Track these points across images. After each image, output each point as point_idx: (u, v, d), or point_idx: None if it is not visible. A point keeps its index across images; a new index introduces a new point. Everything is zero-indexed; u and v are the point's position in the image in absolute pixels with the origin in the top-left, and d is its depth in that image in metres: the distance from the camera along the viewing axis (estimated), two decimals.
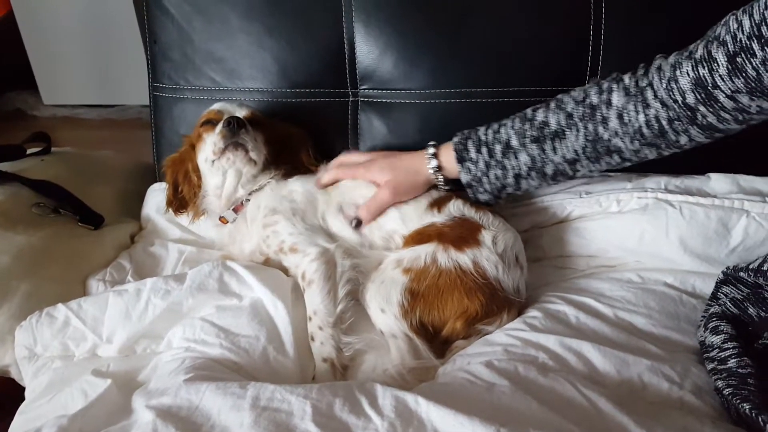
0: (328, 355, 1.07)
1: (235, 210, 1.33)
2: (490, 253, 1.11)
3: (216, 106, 1.34)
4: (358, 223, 1.24)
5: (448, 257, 1.11)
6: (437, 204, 1.22)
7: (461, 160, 1.20)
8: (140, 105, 4.26)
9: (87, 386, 1.03)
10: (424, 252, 1.13)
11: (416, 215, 1.22)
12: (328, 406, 0.85)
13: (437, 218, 1.20)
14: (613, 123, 1.09)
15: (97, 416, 0.92)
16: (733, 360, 0.99)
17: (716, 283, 1.16)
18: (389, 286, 1.11)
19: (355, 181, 1.28)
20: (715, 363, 1.00)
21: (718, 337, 1.04)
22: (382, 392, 0.86)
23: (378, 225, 1.24)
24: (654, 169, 1.27)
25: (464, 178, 1.21)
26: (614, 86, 1.10)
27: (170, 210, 1.40)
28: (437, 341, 1.09)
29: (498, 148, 1.18)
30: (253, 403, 0.86)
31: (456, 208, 1.20)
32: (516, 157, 1.17)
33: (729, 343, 1.02)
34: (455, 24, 1.37)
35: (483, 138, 1.19)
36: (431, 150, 1.23)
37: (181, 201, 1.38)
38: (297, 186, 1.31)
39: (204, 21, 1.46)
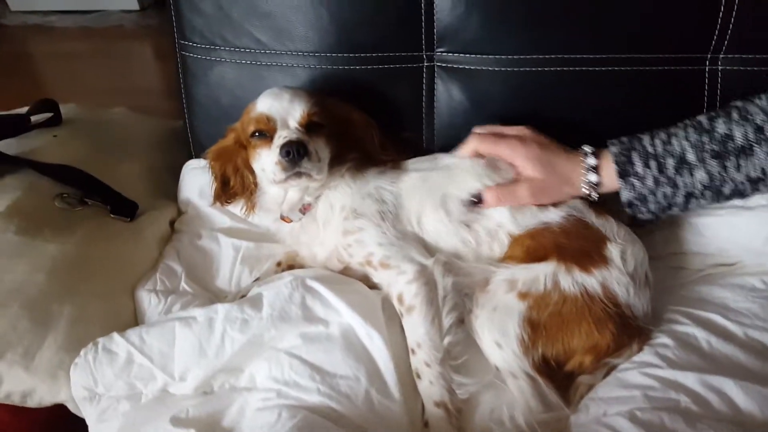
0: (440, 398, 0.95)
1: (302, 210, 1.15)
2: (621, 274, 0.98)
3: (263, 105, 1.09)
4: (476, 203, 1.08)
5: (572, 280, 0.97)
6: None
7: (624, 174, 1.02)
8: (121, 10, 3.84)
9: None
10: (542, 273, 0.99)
11: (529, 209, 1.07)
12: None
13: (552, 215, 1.05)
14: None
15: None
16: None
17: None
18: (504, 315, 0.97)
19: (463, 171, 1.10)
20: None
21: None
22: None
23: (484, 214, 1.08)
24: None
25: (626, 195, 1.04)
26: None
27: (218, 203, 1.21)
28: (559, 375, 0.98)
29: (670, 162, 1.01)
30: None
31: (574, 205, 1.05)
32: (691, 174, 1.01)
33: None
34: None
35: (650, 150, 1.02)
36: (592, 161, 1.04)
37: (230, 194, 1.19)
38: (383, 183, 1.12)
39: None
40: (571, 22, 1.16)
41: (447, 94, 1.23)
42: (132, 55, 3.67)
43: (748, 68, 1.16)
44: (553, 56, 1.17)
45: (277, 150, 1.03)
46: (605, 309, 0.96)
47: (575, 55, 1.17)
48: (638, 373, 0.94)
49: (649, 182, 1.02)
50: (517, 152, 1.06)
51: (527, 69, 1.18)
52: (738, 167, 1.00)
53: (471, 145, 1.10)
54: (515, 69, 1.19)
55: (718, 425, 0.84)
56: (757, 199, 1.12)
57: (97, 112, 1.52)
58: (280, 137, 1.05)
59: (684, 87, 1.19)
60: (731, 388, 0.90)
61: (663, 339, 0.99)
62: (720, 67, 1.17)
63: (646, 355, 0.97)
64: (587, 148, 1.06)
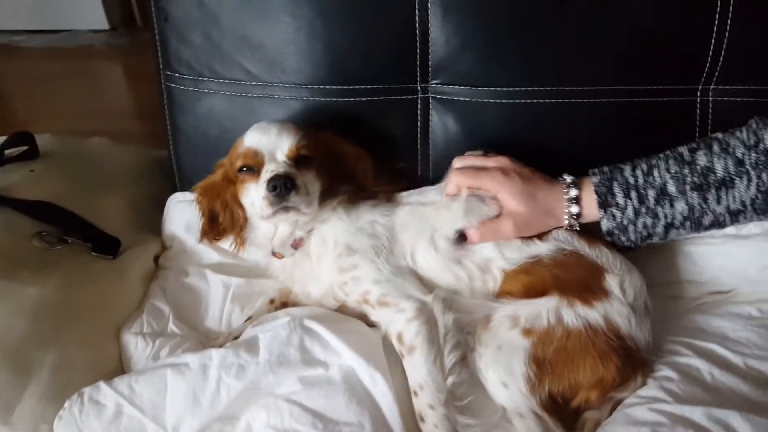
0: None
1: (294, 245, 1.11)
2: (621, 305, 0.97)
3: (251, 139, 1.07)
4: (461, 240, 1.06)
5: (575, 315, 0.96)
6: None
7: (605, 205, 1.02)
8: (90, 30, 3.76)
9: None
10: (545, 308, 0.97)
11: (515, 243, 1.05)
12: None
13: (541, 248, 1.04)
14: None
15: None
16: None
17: None
18: (509, 354, 0.95)
19: (447, 209, 1.08)
20: None
21: None
22: None
23: (472, 250, 1.07)
24: None
25: (606, 225, 1.04)
26: None
27: (205, 240, 1.18)
28: (566, 412, 0.96)
29: (651, 193, 1.01)
30: None
31: (562, 236, 1.04)
32: (672, 206, 1.01)
33: None
34: (551, 9, 1.13)
35: (631, 180, 1.02)
36: (573, 192, 1.04)
37: (219, 231, 1.16)
38: (376, 216, 1.09)
39: None
40: (564, 54, 1.16)
41: (442, 125, 1.22)
42: (103, 75, 3.60)
43: (739, 99, 1.18)
44: (546, 88, 1.17)
45: (264, 184, 1.01)
46: (609, 342, 0.94)
47: (568, 87, 1.17)
48: (646, 409, 0.92)
49: (630, 213, 1.03)
50: (500, 185, 1.05)
51: (521, 101, 1.18)
52: (718, 200, 1.01)
53: (454, 180, 1.09)
54: (509, 101, 1.18)
55: None
56: (751, 228, 1.13)
57: (74, 144, 1.47)
58: (267, 171, 1.02)
59: (675, 118, 1.19)
60: (737, 420, 0.89)
61: (666, 372, 0.98)
62: (711, 98, 1.19)
63: (651, 390, 0.95)
64: (567, 178, 1.06)
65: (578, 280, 1.00)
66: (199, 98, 1.24)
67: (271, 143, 1.05)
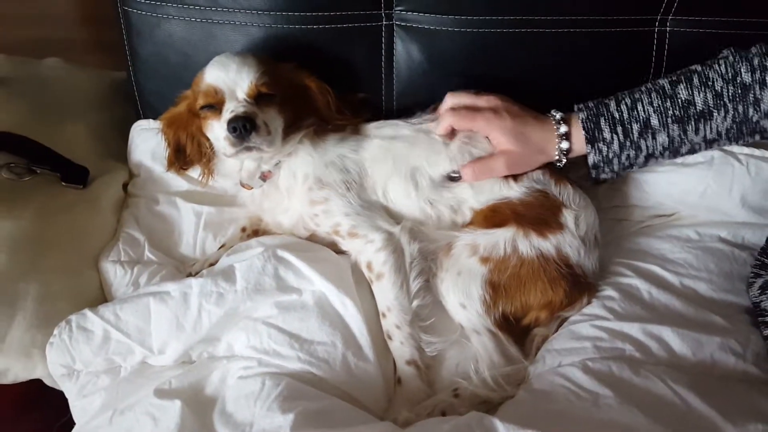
0: (411, 357, 1.02)
1: (263, 177, 1.15)
2: (573, 237, 1.05)
3: (211, 76, 1.05)
4: (455, 179, 1.11)
5: (530, 245, 1.04)
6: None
7: (593, 140, 1.06)
8: None
9: (154, 410, 0.94)
10: (502, 238, 1.05)
11: (489, 186, 1.11)
12: None
13: (514, 191, 1.09)
14: (766, 105, 1.00)
15: None
16: None
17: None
18: (467, 279, 1.04)
19: (430, 145, 1.11)
20: None
21: None
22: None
23: (452, 190, 1.12)
24: None
25: (593, 159, 1.08)
26: None
27: (172, 170, 1.19)
28: (517, 329, 1.07)
29: (635, 127, 1.05)
30: None
31: (537, 177, 1.10)
32: (654, 138, 1.06)
33: None
34: None
35: (617, 115, 1.05)
36: (563, 129, 1.07)
37: (186, 161, 1.17)
38: (345, 151, 1.12)
39: None
40: None
41: (406, 54, 1.22)
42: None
43: (695, 30, 1.21)
44: (510, 17, 1.18)
45: (225, 125, 1.02)
46: (558, 269, 1.04)
47: (529, 17, 1.18)
48: (589, 326, 1.03)
49: (615, 147, 1.07)
50: (492, 126, 1.07)
51: (485, 30, 1.19)
52: (696, 130, 1.06)
53: (447, 121, 1.11)
54: (474, 30, 1.19)
55: (657, 369, 0.95)
56: (695, 157, 1.19)
57: (29, 66, 1.41)
58: (228, 111, 1.03)
59: (634, 48, 1.23)
60: (669, 335, 1.01)
61: (609, 291, 1.08)
62: (668, 29, 1.22)
63: (594, 308, 1.06)
64: (557, 114, 1.09)
65: (537, 215, 1.07)
66: (159, 24, 1.20)
67: (231, 80, 1.04)
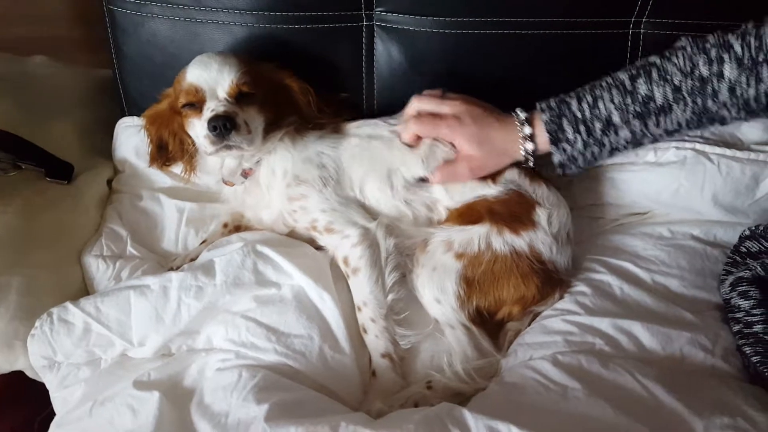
0: (385, 350, 1.05)
1: (244, 174, 1.17)
2: (545, 235, 1.08)
3: (192, 75, 1.07)
4: (423, 180, 1.14)
5: (503, 241, 1.06)
6: (491, 174, 1.12)
7: (556, 141, 1.08)
8: None
9: (133, 401, 0.96)
10: (477, 235, 1.07)
11: (464, 186, 1.13)
12: None
13: (491, 190, 1.11)
14: (724, 96, 1.02)
15: None
16: (759, 326, 1.06)
17: (740, 237, 1.20)
18: (442, 274, 1.06)
19: (409, 153, 1.13)
20: (741, 325, 1.08)
21: (747, 302, 1.10)
22: (474, 422, 0.87)
23: (426, 190, 1.14)
24: None
25: (557, 159, 1.10)
26: (725, 56, 1.00)
27: (155, 166, 1.21)
28: (490, 324, 1.09)
29: (598, 126, 1.07)
30: None
31: (511, 177, 1.12)
32: (617, 134, 1.08)
33: (757, 309, 1.08)
34: None
35: (579, 115, 1.07)
36: (527, 130, 1.08)
37: (168, 158, 1.19)
38: (324, 148, 1.14)
39: None
40: None
41: (387, 54, 1.25)
42: None
43: (669, 32, 1.23)
44: (488, 19, 1.20)
45: (205, 124, 1.04)
46: (531, 265, 1.06)
47: (506, 19, 1.21)
48: (560, 320, 1.05)
49: (579, 145, 1.09)
50: (455, 133, 1.09)
51: (464, 31, 1.21)
52: (657, 123, 1.07)
53: (411, 129, 1.13)
54: (452, 31, 1.21)
55: (626, 363, 0.97)
56: (668, 156, 1.21)
57: (16, 64, 1.43)
58: (208, 110, 1.05)
59: (608, 50, 1.25)
60: (638, 329, 1.03)
61: (581, 287, 1.11)
62: (642, 31, 1.24)
63: (566, 303, 1.08)
64: (522, 115, 1.10)
65: (510, 213, 1.09)
66: (143, 22, 1.22)
67: (212, 79, 1.06)
